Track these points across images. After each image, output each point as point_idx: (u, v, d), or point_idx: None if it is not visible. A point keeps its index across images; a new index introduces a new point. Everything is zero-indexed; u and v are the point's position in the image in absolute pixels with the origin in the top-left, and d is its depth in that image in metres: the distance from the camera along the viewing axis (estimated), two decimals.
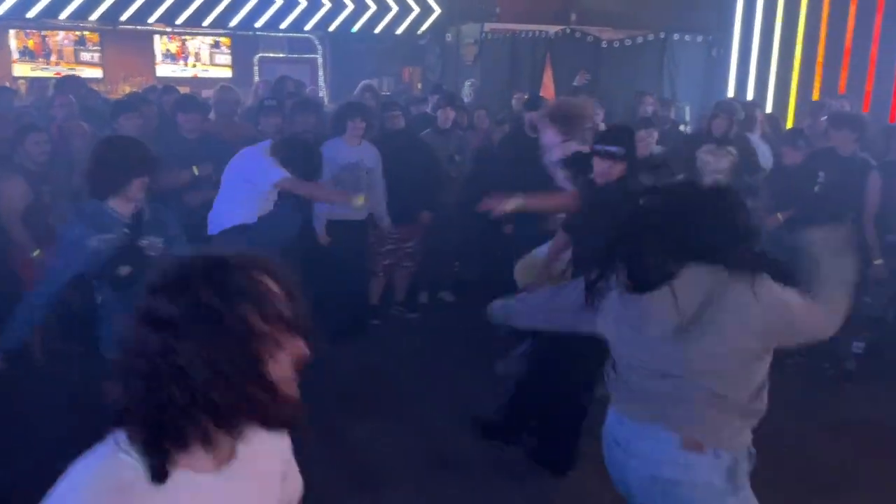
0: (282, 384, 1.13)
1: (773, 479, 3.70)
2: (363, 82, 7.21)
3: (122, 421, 1.10)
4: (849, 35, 7.92)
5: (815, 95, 8.12)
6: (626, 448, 2.10)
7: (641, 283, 1.97)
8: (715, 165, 4.97)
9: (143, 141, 3.32)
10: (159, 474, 1.07)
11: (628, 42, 9.31)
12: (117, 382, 1.09)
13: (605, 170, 3.40)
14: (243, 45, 12.73)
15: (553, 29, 10.02)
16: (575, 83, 8.17)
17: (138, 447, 1.08)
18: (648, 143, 5.39)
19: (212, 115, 5.92)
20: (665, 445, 2.01)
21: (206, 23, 10.64)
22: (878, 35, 7.62)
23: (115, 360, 1.10)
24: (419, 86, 12.49)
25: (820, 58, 8.24)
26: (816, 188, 5.00)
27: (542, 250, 3.96)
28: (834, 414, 4.42)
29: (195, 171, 4.69)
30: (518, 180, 4.09)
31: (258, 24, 10.82)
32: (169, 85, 7.54)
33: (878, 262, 4.76)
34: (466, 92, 9.89)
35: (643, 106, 6.89)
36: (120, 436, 1.10)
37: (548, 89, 10.05)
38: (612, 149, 3.39)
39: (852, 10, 7.90)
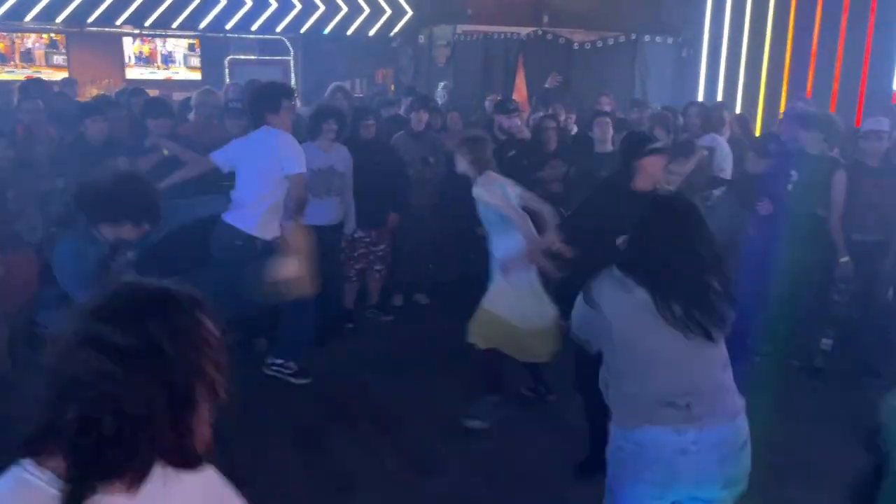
0: (201, 426, 1.12)
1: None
2: (334, 84, 7.15)
3: (38, 444, 1.06)
4: (815, 37, 8.06)
5: (783, 97, 8.24)
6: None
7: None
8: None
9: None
10: (78, 501, 1.04)
11: (599, 44, 9.38)
12: (41, 403, 1.06)
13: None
14: (214, 48, 12.62)
15: (525, 30, 10.06)
16: (546, 85, 8.21)
17: (52, 473, 1.05)
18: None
19: (192, 116, 5.89)
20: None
21: (175, 24, 10.55)
22: (844, 37, 7.76)
23: (46, 378, 1.07)
24: (392, 87, 12.48)
25: (787, 60, 8.36)
26: (790, 187, 5.07)
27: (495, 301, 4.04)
28: (802, 409, 4.49)
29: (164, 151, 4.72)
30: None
31: (228, 26, 10.75)
32: (137, 88, 7.45)
33: (845, 259, 4.83)
34: (440, 94, 9.88)
35: (599, 106, 6.97)
36: (27, 461, 1.07)
37: (520, 91, 10.09)
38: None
39: (819, 12, 8.03)
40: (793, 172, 5.05)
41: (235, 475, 1.35)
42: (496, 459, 3.84)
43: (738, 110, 8.23)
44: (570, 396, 3.99)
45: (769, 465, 3.76)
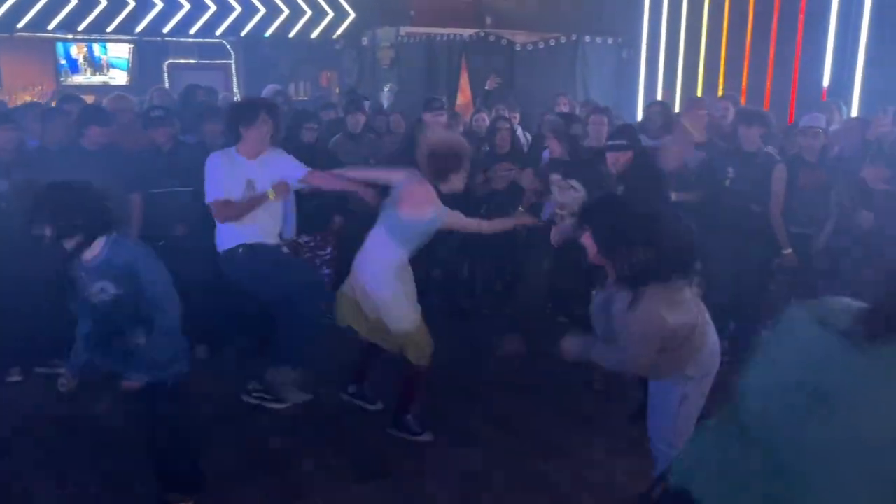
0: None
1: None
2: (270, 86, 7.07)
3: None
4: (748, 38, 8.27)
5: (720, 93, 8.44)
6: None
7: None
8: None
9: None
10: None
11: (542, 45, 9.47)
12: None
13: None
14: (152, 52, 12.33)
15: (468, 32, 10.10)
16: (486, 87, 8.25)
17: None
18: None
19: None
20: None
21: (109, 29, 10.28)
22: (775, 37, 7.98)
23: None
24: (337, 90, 12.39)
25: (722, 59, 8.57)
26: (727, 183, 5.19)
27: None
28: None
29: None
30: None
31: (166, 30, 10.51)
32: (70, 94, 7.21)
33: (788, 251, 4.95)
34: (386, 95, 9.84)
35: (558, 107, 7.02)
36: None
37: (465, 92, 10.12)
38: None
39: (751, 13, 8.25)
40: (729, 169, 5.18)
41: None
42: (447, 465, 3.82)
43: (676, 109, 8.40)
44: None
45: None
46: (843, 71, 7.25)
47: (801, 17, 7.67)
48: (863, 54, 7.10)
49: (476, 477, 3.70)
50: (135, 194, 4.72)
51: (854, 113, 6.93)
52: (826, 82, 7.40)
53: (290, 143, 5.46)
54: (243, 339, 5.12)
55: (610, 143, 4.52)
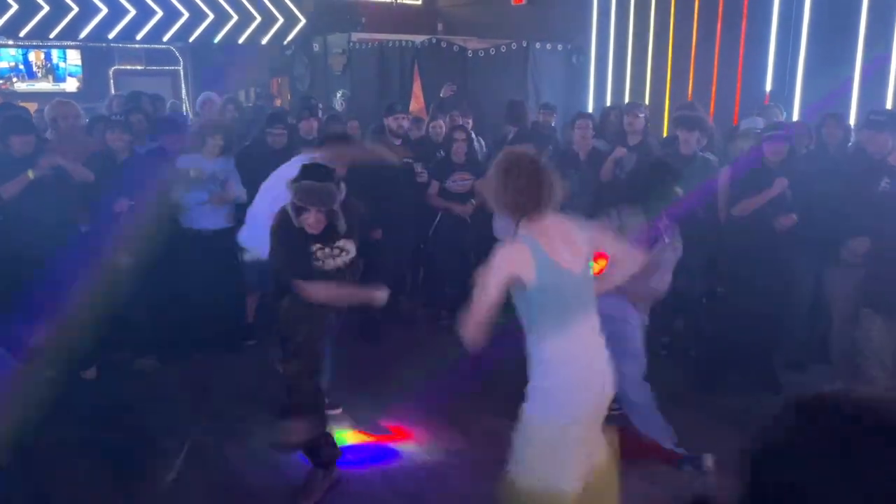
0: None
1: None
2: (205, 94, 7.04)
3: None
4: (693, 44, 8.48)
5: (667, 101, 8.62)
6: None
7: None
8: None
9: None
10: None
11: (493, 51, 9.54)
12: None
13: None
14: (97, 57, 12.06)
15: (420, 38, 10.12)
16: (441, 94, 8.29)
17: None
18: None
19: (49, 134, 5.56)
20: None
21: (53, 35, 9.99)
22: (719, 44, 8.19)
23: None
24: (289, 97, 12.28)
25: (669, 65, 8.76)
26: None
27: None
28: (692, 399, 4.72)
29: (30, 174, 4.50)
30: (377, 186, 4.17)
31: (111, 36, 10.27)
32: (5, 102, 7.02)
33: None
34: (338, 102, 9.80)
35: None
36: None
37: (418, 98, 10.14)
38: None
39: (695, 21, 8.46)
40: None
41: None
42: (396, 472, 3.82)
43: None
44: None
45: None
46: (785, 75, 7.48)
47: (744, 23, 7.89)
48: (803, 59, 7.34)
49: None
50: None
51: (795, 116, 7.16)
52: (768, 87, 7.63)
53: (256, 149, 5.50)
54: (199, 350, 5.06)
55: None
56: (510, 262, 2.47)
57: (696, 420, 4.27)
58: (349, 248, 3.55)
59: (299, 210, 3.29)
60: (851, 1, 6.89)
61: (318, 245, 3.44)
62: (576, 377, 2.52)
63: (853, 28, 6.87)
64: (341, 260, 3.53)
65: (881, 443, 0.81)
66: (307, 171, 3.33)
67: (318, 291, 3.38)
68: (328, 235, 3.43)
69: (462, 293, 4.10)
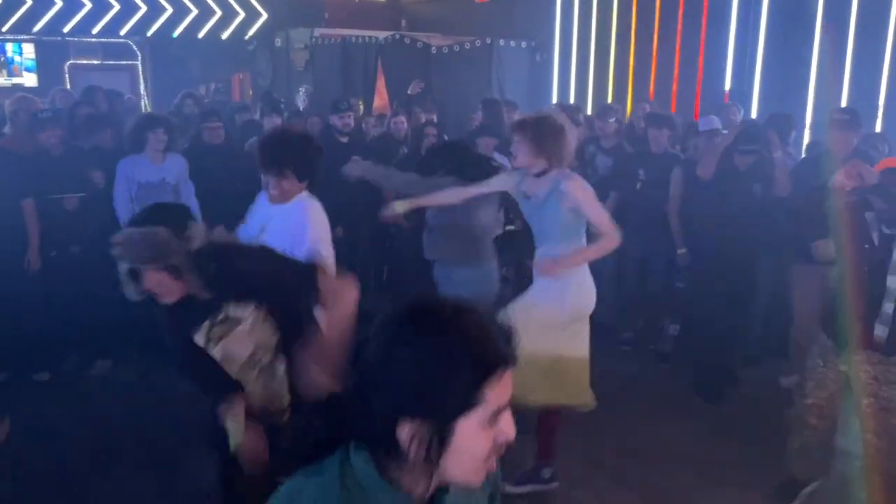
0: None
1: (593, 445, 3.91)
2: (183, 91, 6.89)
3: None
4: (655, 43, 8.56)
5: (629, 98, 8.70)
6: None
7: None
8: None
9: None
10: None
11: (457, 48, 9.53)
12: None
13: None
14: (53, 52, 11.75)
15: (383, 34, 10.06)
16: (409, 92, 8.25)
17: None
18: None
19: (7, 129, 5.41)
20: None
21: (5, 28, 9.73)
22: (680, 43, 8.29)
23: None
24: (250, 92, 12.12)
25: (631, 63, 8.84)
26: (638, 185, 5.36)
27: None
28: (644, 391, 4.78)
29: None
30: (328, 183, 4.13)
31: (66, 29, 10.03)
32: None
33: (682, 251, 5.16)
34: (301, 98, 9.69)
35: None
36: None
37: (382, 94, 10.08)
38: None
39: (657, 20, 8.54)
40: (640, 171, 5.35)
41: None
42: None
43: (589, 112, 8.60)
44: None
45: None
46: (744, 75, 7.60)
47: (704, 22, 7.99)
48: (761, 59, 7.46)
49: None
50: (26, 201, 4.54)
51: (753, 114, 7.28)
52: (728, 86, 7.74)
53: (194, 145, 5.34)
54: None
55: None
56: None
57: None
58: (242, 316, 2.33)
59: (133, 275, 2.24)
60: (807, 3, 7.02)
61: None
62: None
63: (809, 29, 7.00)
64: (235, 347, 2.34)
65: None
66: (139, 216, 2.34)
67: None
68: (197, 307, 2.30)
69: (428, 290, 4.12)
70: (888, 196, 2.92)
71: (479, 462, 1.14)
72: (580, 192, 3.28)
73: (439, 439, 1.10)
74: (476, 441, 1.12)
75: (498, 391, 1.11)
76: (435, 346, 1.10)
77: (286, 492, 1.16)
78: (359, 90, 9.85)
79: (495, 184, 3.65)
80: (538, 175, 3.34)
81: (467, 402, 1.10)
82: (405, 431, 1.10)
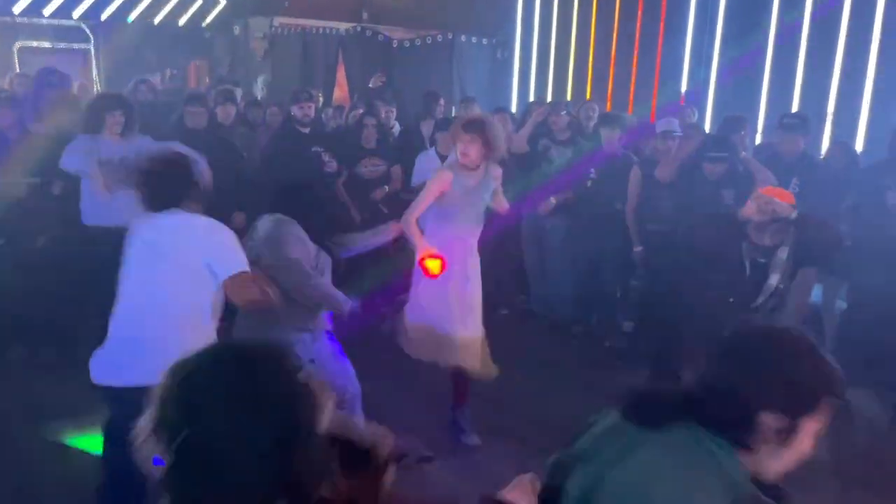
0: None
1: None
2: (136, 78, 6.73)
3: None
4: (613, 44, 8.66)
5: (588, 97, 8.78)
6: None
7: None
8: None
9: None
10: None
11: (418, 42, 9.50)
12: None
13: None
14: (0, 33, 11.36)
15: (344, 26, 9.98)
16: (371, 85, 8.19)
17: None
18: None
19: None
20: None
21: None
22: (638, 45, 8.40)
23: None
24: (207, 80, 11.90)
25: (590, 64, 8.93)
26: (589, 183, 5.44)
27: None
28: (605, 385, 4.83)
29: None
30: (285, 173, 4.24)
31: (16, 10, 9.72)
32: None
33: (638, 249, 5.24)
34: (259, 87, 9.57)
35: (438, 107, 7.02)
36: None
37: (342, 86, 10.01)
38: None
39: (616, 21, 8.64)
40: (591, 170, 5.43)
41: None
42: None
43: None
44: None
45: None
46: (700, 78, 7.74)
47: (662, 25, 8.11)
48: (716, 62, 7.60)
49: None
50: None
51: (708, 116, 7.43)
52: (684, 88, 7.88)
53: (176, 131, 5.24)
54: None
55: None
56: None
57: None
58: None
59: None
60: (762, 6, 7.17)
61: None
62: None
63: (763, 34, 7.16)
64: None
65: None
66: None
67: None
68: None
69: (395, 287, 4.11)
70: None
71: (798, 461, 1.37)
72: (498, 172, 3.85)
73: (790, 431, 1.32)
74: (807, 442, 1.36)
75: (826, 409, 1.36)
76: (805, 354, 1.37)
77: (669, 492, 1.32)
78: (318, 81, 9.76)
79: (435, 188, 3.75)
80: (474, 168, 3.74)
81: (815, 404, 1.34)
82: (769, 420, 1.31)
